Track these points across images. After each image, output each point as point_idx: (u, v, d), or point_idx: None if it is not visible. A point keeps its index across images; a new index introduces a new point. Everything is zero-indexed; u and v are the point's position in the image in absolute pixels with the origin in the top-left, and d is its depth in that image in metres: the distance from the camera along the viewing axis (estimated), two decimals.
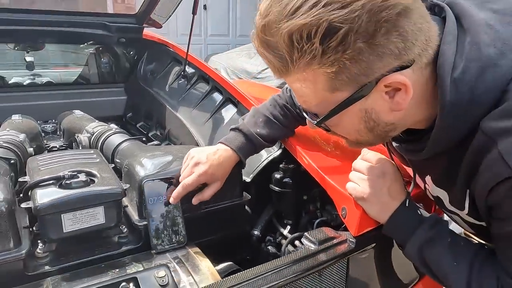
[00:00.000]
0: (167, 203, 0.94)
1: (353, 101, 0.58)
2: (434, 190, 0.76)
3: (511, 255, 0.63)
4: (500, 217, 0.61)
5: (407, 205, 0.77)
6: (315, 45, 0.52)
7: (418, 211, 0.77)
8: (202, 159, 0.95)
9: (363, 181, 0.80)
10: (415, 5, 0.54)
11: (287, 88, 1.12)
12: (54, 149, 1.40)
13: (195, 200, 0.96)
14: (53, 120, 1.76)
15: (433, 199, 0.80)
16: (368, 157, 0.83)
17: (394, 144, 0.79)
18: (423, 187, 0.83)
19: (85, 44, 2.05)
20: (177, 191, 0.93)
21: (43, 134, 1.56)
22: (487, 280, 0.65)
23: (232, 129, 1.06)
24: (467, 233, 0.90)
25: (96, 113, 1.68)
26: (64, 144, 1.45)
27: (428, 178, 0.76)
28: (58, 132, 1.64)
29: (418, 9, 0.55)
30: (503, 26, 0.58)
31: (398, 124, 0.65)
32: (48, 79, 2.10)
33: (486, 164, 0.58)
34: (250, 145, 1.03)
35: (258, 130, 1.04)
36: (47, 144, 1.45)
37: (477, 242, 0.77)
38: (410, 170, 0.84)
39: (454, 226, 0.79)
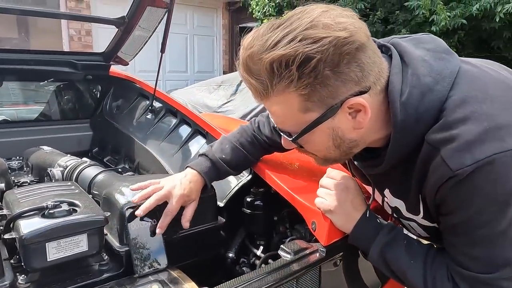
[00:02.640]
0: (153, 234, 0.99)
1: (322, 120, 0.70)
2: (392, 201, 0.88)
3: (456, 244, 0.74)
4: (446, 213, 0.73)
5: (367, 215, 0.89)
6: (292, 71, 0.64)
7: (377, 220, 0.90)
8: (176, 183, 1.03)
9: (329, 196, 0.91)
10: (369, 43, 0.69)
11: (255, 119, 1.22)
12: (25, 184, 1.39)
13: (185, 224, 1.02)
14: (17, 157, 1.73)
15: (391, 210, 0.92)
16: (333, 175, 0.95)
17: (356, 163, 0.90)
18: (381, 202, 0.96)
19: (47, 81, 2.07)
20: (162, 221, 0.99)
21: (9, 170, 1.54)
22: (439, 271, 0.77)
23: (200, 155, 1.15)
24: (420, 239, 1.02)
25: (61, 149, 1.67)
26: (34, 179, 1.44)
27: (387, 191, 0.88)
28: (25, 169, 1.62)
29: (371, 46, 0.69)
30: (435, 61, 0.72)
31: (360, 141, 0.76)
32: (4, 117, 2.07)
33: (433, 169, 0.70)
34: (214, 170, 1.10)
35: (223, 156, 1.12)
36: (15, 180, 1.43)
37: (428, 243, 0.89)
38: (369, 189, 0.97)
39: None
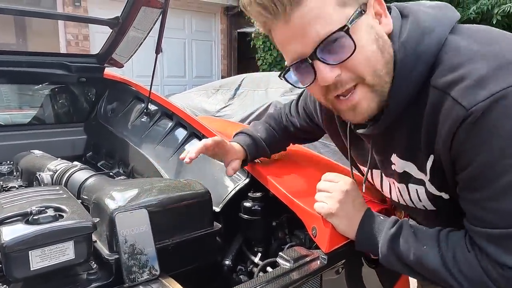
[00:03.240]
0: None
1: (359, 14, 0.67)
2: (402, 165, 0.81)
3: (478, 201, 0.67)
4: (464, 166, 0.66)
5: (369, 214, 0.85)
6: None
7: (379, 217, 0.86)
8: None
9: (329, 199, 0.86)
10: None
11: (282, 108, 1.27)
12: (12, 189, 1.34)
13: (230, 171, 1.10)
14: (8, 162, 1.68)
15: (398, 179, 0.85)
16: (330, 177, 0.91)
17: (360, 131, 0.84)
18: (379, 183, 0.93)
19: (41, 85, 2.02)
20: (196, 147, 1.03)
21: None
22: (456, 246, 0.72)
23: (236, 134, 1.22)
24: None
25: (54, 153, 1.63)
26: (23, 184, 1.39)
27: (394, 157, 0.82)
28: (14, 173, 1.57)
29: None
30: (435, 11, 0.73)
31: (391, 59, 0.71)
32: None
33: (444, 117, 0.66)
34: (254, 145, 1.17)
35: (259, 134, 1.19)
36: (3, 185, 1.38)
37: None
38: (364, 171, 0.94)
39: None
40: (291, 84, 0.77)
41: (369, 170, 0.93)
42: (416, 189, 0.83)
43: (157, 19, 1.71)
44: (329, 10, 0.66)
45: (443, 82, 0.66)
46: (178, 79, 7.85)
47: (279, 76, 0.78)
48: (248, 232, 1.18)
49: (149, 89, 1.79)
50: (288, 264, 0.80)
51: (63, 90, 2.13)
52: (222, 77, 8.12)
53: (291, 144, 1.31)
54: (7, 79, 1.88)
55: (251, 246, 1.19)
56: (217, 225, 1.13)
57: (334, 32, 0.66)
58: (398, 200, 0.91)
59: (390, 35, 0.72)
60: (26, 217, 0.85)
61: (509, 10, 4.02)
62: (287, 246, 1.12)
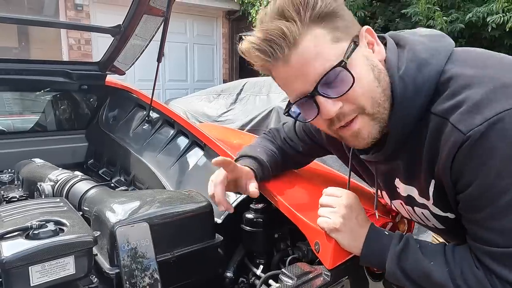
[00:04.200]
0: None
1: (354, 48, 0.71)
2: (405, 190, 0.84)
3: (480, 221, 0.69)
4: (464, 187, 0.68)
5: (374, 229, 0.85)
6: (317, 7, 0.70)
7: (385, 232, 0.85)
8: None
9: (332, 214, 0.85)
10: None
11: (275, 132, 1.23)
12: (13, 199, 1.33)
13: (253, 193, 1.01)
14: (9, 170, 1.68)
15: (404, 201, 0.88)
16: (332, 192, 0.90)
17: (364, 156, 0.87)
18: (388, 202, 0.94)
19: (42, 91, 2.02)
20: (214, 191, 0.97)
21: None
22: (464, 262, 0.73)
23: (238, 157, 1.15)
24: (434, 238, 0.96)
25: (55, 161, 1.63)
26: (24, 194, 1.39)
27: (397, 182, 0.85)
28: (16, 182, 1.57)
29: None
30: (431, 42, 0.76)
31: (387, 85, 0.74)
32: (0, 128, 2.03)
33: (444, 141, 0.68)
34: (259, 165, 1.10)
35: (260, 156, 1.12)
36: (5, 195, 1.38)
37: (442, 241, 0.84)
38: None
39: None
40: (297, 120, 0.81)
41: (378, 191, 0.94)
42: (422, 212, 0.84)
43: (159, 27, 1.71)
44: (325, 48, 0.70)
45: (442, 109, 0.69)
46: (180, 83, 7.85)
47: (284, 113, 0.82)
48: (250, 244, 1.17)
49: (150, 97, 1.79)
50: (291, 281, 0.79)
51: (65, 97, 2.13)
52: (224, 81, 8.12)
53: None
54: (10, 87, 1.88)
55: (253, 258, 1.18)
56: (219, 237, 1.12)
57: (332, 68, 0.70)
58: (411, 218, 0.91)
59: (386, 67, 0.75)
60: (26, 232, 0.85)
61: (500, 21, 4.03)
62: (289, 258, 1.10)
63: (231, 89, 4.64)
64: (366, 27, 0.76)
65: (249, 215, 1.14)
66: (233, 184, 1.05)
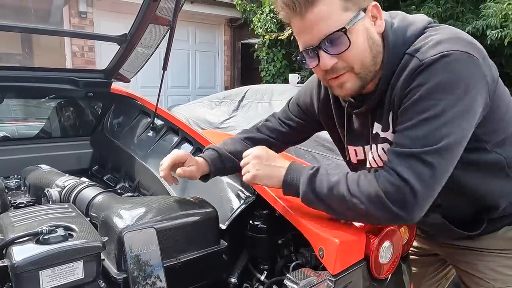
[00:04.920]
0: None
1: (357, 18, 0.86)
2: (375, 128, 1.00)
3: (401, 130, 0.86)
4: (406, 100, 0.86)
5: (292, 166, 0.99)
6: None
7: (301, 165, 1.00)
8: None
9: (248, 167, 1.01)
10: None
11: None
12: (21, 205, 1.35)
13: (180, 172, 1.13)
14: (15, 176, 1.70)
15: (372, 141, 1.02)
16: (246, 153, 1.05)
17: (355, 111, 1.03)
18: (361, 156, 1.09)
19: (48, 98, 2.05)
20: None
21: (6, 190, 1.50)
22: (360, 173, 0.90)
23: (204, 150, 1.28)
24: None
25: (60, 167, 1.65)
26: (31, 200, 1.41)
27: (376, 125, 0.99)
28: (22, 188, 1.59)
29: None
30: (416, 19, 0.95)
31: (379, 54, 0.91)
32: (4, 134, 2.05)
33: (408, 71, 0.86)
34: (217, 156, 1.21)
35: (225, 146, 1.26)
36: (12, 201, 1.40)
37: None
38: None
39: None
40: (301, 64, 0.97)
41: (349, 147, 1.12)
42: (382, 148, 0.99)
43: (164, 35, 1.74)
44: (334, 14, 0.85)
45: (413, 49, 0.88)
46: (182, 90, 7.90)
47: (292, 57, 1.05)
48: (254, 250, 1.19)
49: (155, 104, 1.81)
50: (295, 287, 0.80)
51: (70, 104, 2.16)
52: (225, 88, 8.16)
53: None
54: (17, 94, 1.90)
55: (257, 263, 1.19)
56: (223, 243, 1.14)
57: (334, 32, 0.85)
58: (371, 165, 1.05)
59: (384, 32, 0.92)
60: (36, 237, 0.86)
61: (498, 36, 4.08)
62: (293, 264, 1.12)
63: (233, 96, 4.67)
64: (374, 2, 0.91)
65: (253, 221, 1.16)
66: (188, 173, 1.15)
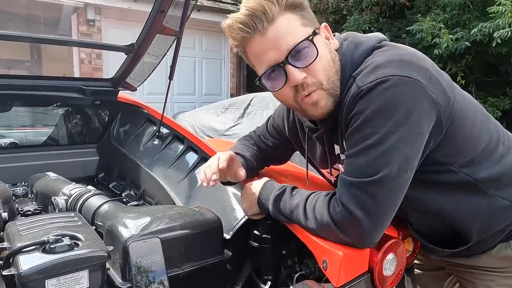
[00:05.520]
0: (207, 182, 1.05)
1: (317, 33, 0.89)
2: (336, 150, 1.03)
3: (347, 155, 0.88)
4: (349, 127, 0.86)
5: (265, 185, 1.06)
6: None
7: (274, 185, 1.05)
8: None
9: (241, 204, 1.12)
10: None
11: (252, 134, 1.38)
12: (28, 213, 1.37)
13: (240, 175, 1.12)
14: (23, 183, 1.72)
15: (336, 162, 1.06)
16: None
17: (316, 134, 1.04)
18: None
19: (56, 105, 2.07)
20: (213, 169, 1.05)
21: (13, 197, 1.52)
22: (318, 194, 0.94)
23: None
24: None
25: (66, 174, 1.67)
26: (38, 207, 1.42)
27: (336, 147, 1.02)
28: (29, 195, 1.60)
29: None
30: (366, 39, 0.96)
31: (338, 71, 0.92)
32: (12, 140, 2.07)
33: (350, 96, 0.86)
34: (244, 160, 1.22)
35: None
36: (19, 208, 1.41)
37: None
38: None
39: None
40: (266, 89, 0.95)
41: (331, 168, 1.11)
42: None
43: (171, 45, 1.76)
44: (296, 28, 0.87)
45: (356, 72, 0.88)
46: (188, 97, 7.95)
47: (255, 82, 0.97)
48: (258, 260, 1.19)
49: (161, 113, 1.83)
50: None
51: (77, 112, 2.18)
52: (231, 95, 8.20)
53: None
54: (26, 102, 1.93)
55: (261, 274, 1.19)
56: (228, 253, 1.14)
57: (302, 41, 0.86)
58: None
59: (336, 51, 0.94)
60: (43, 246, 0.87)
61: (507, 36, 4.06)
62: (297, 275, 1.12)
63: (238, 104, 4.70)
64: (324, 23, 0.95)
65: (257, 231, 1.16)
66: (223, 172, 1.10)
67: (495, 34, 4.19)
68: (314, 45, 0.86)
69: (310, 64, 0.87)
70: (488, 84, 5.55)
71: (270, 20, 0.85)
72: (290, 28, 0.86)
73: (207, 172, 1.06)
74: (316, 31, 0.89)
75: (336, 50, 0.94)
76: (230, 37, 0.92)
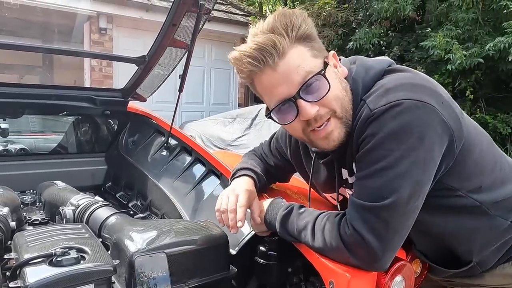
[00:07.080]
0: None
1: (327, 64, 0.88)
2: (344, 174, 1.01)
3: (358, 177, 0.87)
4: (361, 149, 0.85)
5: (271, 204, 1.05)
6: (301, 30, 0.86)
7: (281, 203, 1.04)
8: (237, 189, 1.10)
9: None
10: None
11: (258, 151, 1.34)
12: (35, 222, 1.37)
13: (258, 219, 1.08)
14: (31, 191, 1.73)
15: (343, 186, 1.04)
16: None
17: (324, 160, 1.03)
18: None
19: (65, 113, 2.10)
20: (238, 215, 1.03)
21: (21, 205, 1.53)
22: (327, 215, 0.92)
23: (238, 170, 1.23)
24: None
25: (74, 183, 1.68)
26: (46, 217, 1.43)
27: (344, 171, 1.01)
28: (37, 204, 1.61)
29: None
30: (374, 59, 0.98)
31: (350, 99, 0.91)
32: (22, 146, 2.10)
33: (361, 120, 0.85)
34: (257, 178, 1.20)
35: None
36: (27, 217, 1.42)
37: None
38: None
39: None
40: (276, 122, 0.93)
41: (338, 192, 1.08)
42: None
43: (182, 57, 1.78)
44: (307, 60, 0.86)
45: (366, 95, 0.88)
46: (196, 106, 7.99)
47: (266, 115, 0.95)
48: (263, 277, 1.17)
49: (170, 124, 1.84)
50: None
51: (87, 121, 2.20)
52: (239, 105, 8.23)
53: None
54: (36, 111, 1.96)
55: None
56: (233, 269, 1.13)
57: (314, 75, 0.85)
58: None
59: (346, 78, 0.93)
60: (50, 258, 0.88)
61: None
62: None
63: (246, 114, 4.72)
64: (332, 52, 0.94)
65: (263, 248, 1.15)
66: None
67: (510, 49, 4.16)
68: (326, 78, 0.85)
69: (323, 97, 0.86)
70: (498, 100, 5.51)
71: (281, 54, 0.84)
72: (301, 61, 0.85)
73: (231, 218, 1.04)
74: (326, 60, 0.88)
75: (345, 77, 0.93)
76: (236, 70, 0.90)
